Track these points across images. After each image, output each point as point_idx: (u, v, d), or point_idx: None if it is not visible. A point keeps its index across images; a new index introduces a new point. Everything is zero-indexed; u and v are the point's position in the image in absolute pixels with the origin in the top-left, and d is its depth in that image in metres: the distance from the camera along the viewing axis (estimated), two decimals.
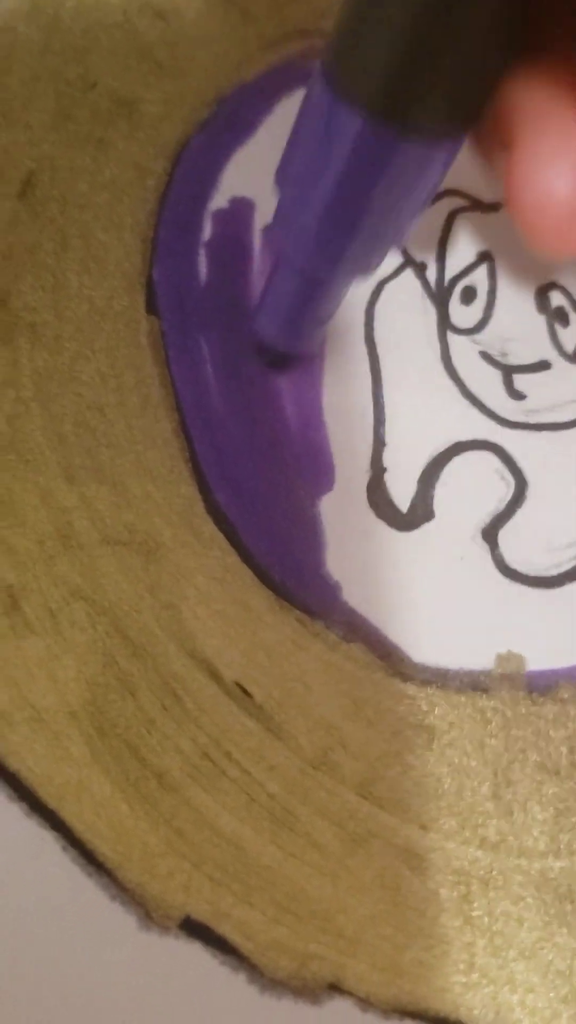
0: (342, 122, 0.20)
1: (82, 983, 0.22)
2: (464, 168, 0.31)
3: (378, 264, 0.24)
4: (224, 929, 0.23)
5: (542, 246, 0.20)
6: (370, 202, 0.21)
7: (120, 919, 0.23)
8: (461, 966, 0.23)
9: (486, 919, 0.24)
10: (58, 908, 0.23)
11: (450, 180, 0.31)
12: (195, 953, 0.23)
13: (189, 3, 0.31)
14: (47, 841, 0.23)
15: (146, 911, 0.23)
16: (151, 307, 0.28)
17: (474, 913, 0.24)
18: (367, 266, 0.23)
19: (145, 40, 0.31)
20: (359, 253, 0.22)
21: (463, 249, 0.30)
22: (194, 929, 0.23)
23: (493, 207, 0.31)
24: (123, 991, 0.22)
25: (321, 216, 0.21)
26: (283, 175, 0.22)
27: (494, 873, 0.24)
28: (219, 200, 0.30)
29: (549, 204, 0.19)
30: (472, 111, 0.20)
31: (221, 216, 0.29)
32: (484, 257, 0.30)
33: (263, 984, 0.23)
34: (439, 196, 0.30)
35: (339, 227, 0.22)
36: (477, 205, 0.31)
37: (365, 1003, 0.23)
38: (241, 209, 0.29)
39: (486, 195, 0.31)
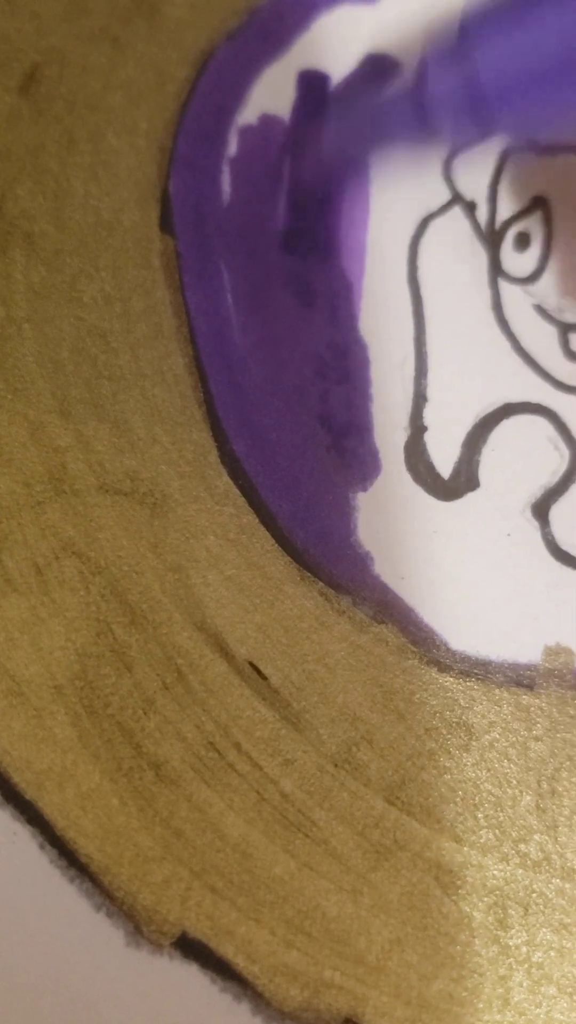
0: None
1: (59, 1008, 0.21)
2: None
3: None
4: (226, 950, 0.21)
5: None
6: None
7: (105, 934, 0.21)
8: (495, 1002, 0.21)
9: (524, 948, 0.22)
10: (31, 919, 0.21)
11: None
12: (191, 976, 0.21)
13: None
14: (21, 837, 0.21)
15: (136, 925, 0.21)
16: (166, 224, 0.26)
17: (511, 941, 0.22)
18: None
19: None
20: None
21: (516, 192, 0.28)
22: (191, 948, 0.21)
23: (549, 150, 0.28)
24: (107, 1018, 0.20)
25: None
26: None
27: (535, 896, 0.22)
28: (247, 116, 0.27)
29: None
30: None
31: (249, 133, 0.27)
32: (539, 202, 0.28)
33: (269, 1015, 0.21)
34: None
35: None
36: (532, 146, 0.28)
37: None
38: (272, 127, 0.27)
39: (542, 137, 0.28)
